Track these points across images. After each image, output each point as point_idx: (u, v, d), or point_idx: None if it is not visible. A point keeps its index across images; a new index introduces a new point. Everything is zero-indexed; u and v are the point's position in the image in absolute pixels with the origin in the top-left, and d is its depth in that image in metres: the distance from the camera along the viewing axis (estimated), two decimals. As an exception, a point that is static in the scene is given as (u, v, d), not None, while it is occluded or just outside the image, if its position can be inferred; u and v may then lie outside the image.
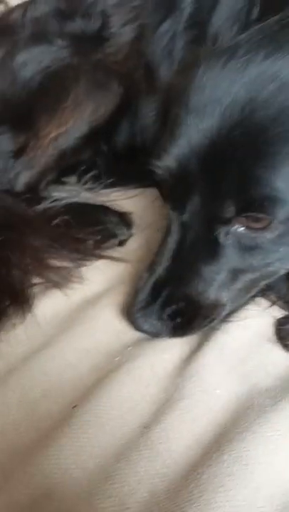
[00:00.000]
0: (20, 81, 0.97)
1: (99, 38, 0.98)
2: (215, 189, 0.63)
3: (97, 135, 0.96)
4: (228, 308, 0.69)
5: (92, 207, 0.95)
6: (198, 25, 0.93)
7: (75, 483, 0.54)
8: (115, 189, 0.99)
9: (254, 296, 0.72)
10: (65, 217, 0.88)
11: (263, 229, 0.63)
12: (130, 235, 0.89)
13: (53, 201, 0.95)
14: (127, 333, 0.71)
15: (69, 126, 0.94)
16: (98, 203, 0.95)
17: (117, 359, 0.67)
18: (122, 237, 0.88)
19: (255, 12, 0.71)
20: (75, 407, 0.61)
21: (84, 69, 0.95)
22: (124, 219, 0.91)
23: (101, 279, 0.81)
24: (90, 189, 0.98)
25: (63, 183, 1.00)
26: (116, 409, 0.60)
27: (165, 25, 0.97)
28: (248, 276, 0.68)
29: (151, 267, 0.70)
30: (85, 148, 0.97)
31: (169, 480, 0.55)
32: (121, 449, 0.57)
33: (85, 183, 1.00)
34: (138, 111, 0.98)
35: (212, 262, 0.66)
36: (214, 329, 0.69)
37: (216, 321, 0.69)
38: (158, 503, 0.53)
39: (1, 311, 0.73)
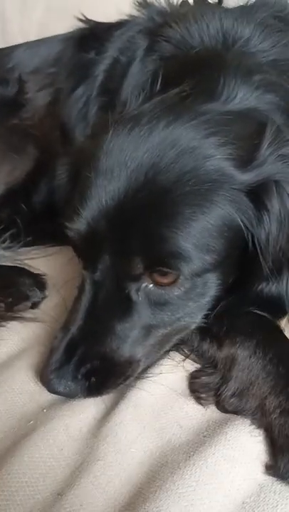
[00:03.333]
0: None
1: (15, 103, 1.00)
2: (123, 248, 0.64)
3: (15, 195, 0.96)
4: (142, 365, 0.69)
5: (6, 268, 0.93)
6: (109, 92, 0.98)
7: None
8: (34, 247, 0.99)
9: (168, 351, 0.72)
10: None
11: (171, 284, 0.65)
12: (44, 297, 0.88)
13: None
14: (42, 394, 0.68)
15: (-15, 188, 0.94)
16: (15, 262, 0.94)
17: (31, 423, 0.65)
18: (35, 299, 0.86)
19: (158, 84, 0.76)
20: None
21: (0, 133, 0.96)
22: (38, 281, 0.90)
23: (16, 339, 0.79)
24: (7, 248, 0.97)
25: (-20, 242, 0.98)
26: (28, 477, 0.57)
27: (79, 91, 1.01)
28: (160, 332, 0.68)
29: (65, 326, 0.69)
30: (2, 208, 0.97)
31: None
32: (33, 519, 0.54)
33: (4, 241, 0.98)
34: (55, 171, 0.99)
35: (125, 319, 0.67)
36: (129, 386, 0.68)
37: (131, 378, 0.68)
38: None
39: None
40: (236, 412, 0.64)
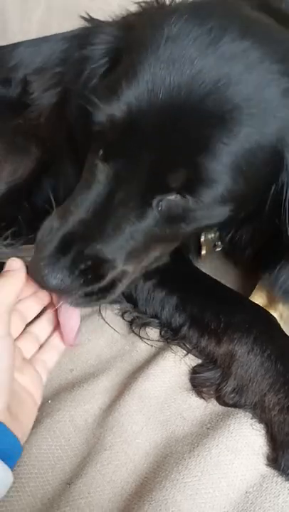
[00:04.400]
0: None
1: (19, 103, 1.00)
2: (168, 153, 0.56)
3: (17, 194, 0.96)
4: (128, 279, 0.65)
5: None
6: None
7: None
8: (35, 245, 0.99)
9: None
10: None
11: (198, 201, 0.58)
12: None
13: None
14: (46, 386, 0.69)
15: (-13, 186, 0.94)
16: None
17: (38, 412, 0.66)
18: None
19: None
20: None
21: (3, 132, 0.96)
22: None
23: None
24: (9, 245, 0.97)
25: (-19, 239, 0.98)
26: (37, 468, 0.58)
27: None
28: (158, 247, 0.65)
29: (63, 216, 0.61)
30: (4, 206, 0.97)
31: (91, 536, 0.53)
32: (42, 510, 0.55)
33: (5, 238, 0.98)
34: (60, 171, 1.00)
35: (136, 224, 0.60)
36: (134, 378, 0.69)
37: (116, 292, 0.64)
38: None
39: None
40: (237, 406, 0.65)
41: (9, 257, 0.95)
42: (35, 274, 0.60)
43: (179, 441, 0.62)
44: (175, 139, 0.56)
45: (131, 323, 0.79)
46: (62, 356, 0.72)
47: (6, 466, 0.52)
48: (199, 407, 0.66)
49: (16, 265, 0.61)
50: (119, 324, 0.80)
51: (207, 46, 0.56)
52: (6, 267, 0.62)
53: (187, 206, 0.59)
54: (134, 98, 0.56)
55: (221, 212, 0.62)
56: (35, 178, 0.98)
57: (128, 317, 0.80)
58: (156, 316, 0.79)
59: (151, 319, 0.79)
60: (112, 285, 0.63)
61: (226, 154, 0.56)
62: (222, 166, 0.57)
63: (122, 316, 0.81)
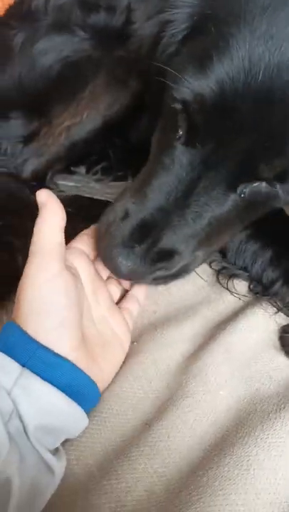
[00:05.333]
0: (38, 68, 0.94)
1: (122, 34, 0.95)
2: (263, 141, 0.49)
3: (111, 128, 0.93)
4: (201, 261, 0.62)
5: (97, 202, 0.92)
6: None
7: (74, 478, 0.52)
8: (124, 183, 0.96)
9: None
10: (69, 209, 0.84)
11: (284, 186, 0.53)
12: None
13: (59, 191, 0.93)
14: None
15: (83, 118, 0.91)
16: (105, 195, 0.92)
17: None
18: None
19: None
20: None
21: (104, 63, 0.92)
22: None
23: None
24: (98, 180, 0.95)
25: (72, 172, 0.96)
26: (118, 405, 0.57)
27: None
28: (235, 228, 0.62)
29: (139, 201, 0.56)
30: (97, 141, 0.94)
31: (167, 480, 0.52)
32: (121, 446, 0.54)
33: (95, 173, 0.96)
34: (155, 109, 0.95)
35: (216, 212, 0.56)
36: (221, 329, 0.66)
37: (188, 274, 0.61)
38: (156, 503, 0.51)
39: (5, 296, 0.70)
40: None
41: (98, 193, 0.94)
42: (107, 260, 0.57)
43: (264, 400, 0.59)
44: (273, 125, 0.48)
45: (218, 272, 0.76)
46: (146, 298, 0.70)
47: (73, 403, 0.51)
48: (287, 368, 0.63)
49: (43, 197, 0.57)
50: (206, 272, 0.76)
51: None
52: (38, 201, 0.58)
53: (273, 193, 0.54)
54: (227, 76, 0.48)
55: None
56: (132, 113, 0.94)
57: (216, 266, 0.77)
58: (245, 269, 0.75)
59: (240, 271, 0.75)
60: (183, 270, 0.60)
61: None
62: None
63: (210, 264, 0.77)
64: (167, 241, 0.55)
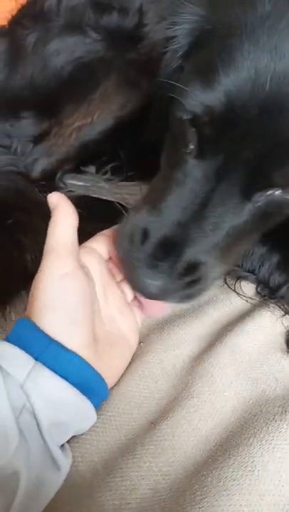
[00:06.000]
0: (50, 68, 0.94)
1: (134, 36, 0.95)
2: (275, 148, 0.49)
3: (123, 129, 0.93)
4: (220, 271, 0.61)
5: (106, 203, 0.92)
6: None
7: (79, 475, 0.52)
8: (134, 183, 0.96)
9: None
10: (77, 209, 0.84)
11: None
12: None
13: (68, 191, 0.93)
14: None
15: (94, 118, 0.92)
16: (115, 196, 0.93)
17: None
18: None
19: None
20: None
21: (116, 64, 0.92)
22: None
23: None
24: (108, 180, 0.96)
25: (82, 172, 0.97)
26: (124, 404, 0.58)
27: None
28: (252, 237, 0.62)
29: (159, 215, 0.56)
30: (108, 142, 0.95)
31: (172, 479, 0.52)
32: (126, 444, 0.55)
33: (105, 173, 0.97)
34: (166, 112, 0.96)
35: (234, 222, 0.56)
36: (227, 330, 0.66)
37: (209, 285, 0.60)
38: (159, 501, 0.51)
39: (13, 293, 0.70)
40: None
41: (108, 193, 0.94)
42: (132, 281, 0.57)
43: (269, 401, 0.59)
44: (282, 132, 0.49)
45: (227, 273, 0.76)
46: None
47: (84, 398, 0.52)
48: (293, 371, 0.63)
49: (54, 199, 0.58)
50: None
51: None
52: (50, 203, 0.58)
53: (288, 200, 0.53)
54: (234, 88, 0.49)
55: None
56: (143, 115, 0.94)
57: (224, 268, 0.77)
58: (252, 272, 0.75)
59: (248, 274, 0.75)
60: (204, 281, 0.58)
61: None
62: None
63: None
64: (189, 254, 0.55)
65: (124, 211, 0.89)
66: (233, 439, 0.55)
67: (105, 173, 0.98)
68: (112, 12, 0.94)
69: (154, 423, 0.56)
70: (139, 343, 0.65)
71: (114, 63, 0.92)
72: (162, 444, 0.54)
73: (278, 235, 0.75)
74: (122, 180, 0.96)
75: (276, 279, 0.72)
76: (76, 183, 0.96)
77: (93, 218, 0.83)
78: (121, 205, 0.90)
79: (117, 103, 0.91)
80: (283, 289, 0.71)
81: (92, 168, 0.99)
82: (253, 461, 0.52)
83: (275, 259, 0.73)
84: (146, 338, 0.66)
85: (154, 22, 0.95)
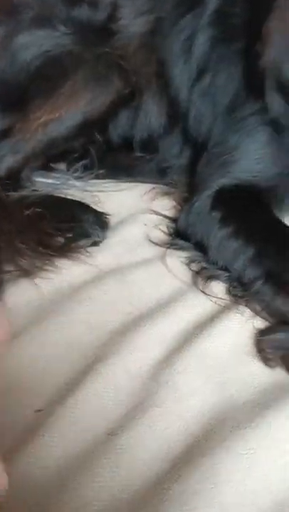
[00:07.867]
0: (18, 63, 0.90)
1: (106, 29, 0.91)
2: None
3: (92, 125, 0.90)
4: None
5: (70, 202, 0.87)
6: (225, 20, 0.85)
7: (34, 482, 0.48)
8: (105, 181, 0.93)
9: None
10: (38, 209, 0.80)
11: None
12: (104, 238, 0.80)
13: (33, 190, 0.88)
14: (101, 329, 0.64)
15: (62, 113, 0.88)
16: (85, 194, 0.89)
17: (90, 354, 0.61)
18: (96, 239, 0.79)
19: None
20: (38, 411, 0.54)
21: (85, 58, 0.89)
22: (101, 220, 0.82)
23: (79, 271, 0.74)
24: (78, 178, 0.92)
25: (51, 169, 0.93)
26: (82, 410, 0.54)
27: (185, 21, 0.89)
28: None
29: None
30: (77, 137, 0.91)
31: (132, 491, 0.48)
32: (82, 453, 0.50)
33: (75, 171, 0.93)
34: (141, 107, 0.92)
35: None
36: (194, 334, 0.63)
37: None
38: (118, 516, 0.47)
39: None
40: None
41: (78, 191, 0.90)
42: None
43: (236, 407, 0.55)
44: None
45: (197, 273, 0.73)
46: (120, 298, 0.68)
47: None
48: (263, 375, 0.59)
49: None
50: (183, 274, 0.73)
51: None
52: None
53: None
54: None
55: None
56: (112, 111, 0.90)
57: (195, 267, 0.74)
58: (226, 269, 0.72)
59: (221, 272, 0.72)
60: None
61: None
62: None
63: (189, 265, 0.74)
64: None
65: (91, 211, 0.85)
66: (198, 448, 0.51)
67: (76, 170, 0.94)
68: (82, 5, 0.91)
69: (114, 432, 0.52)
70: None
71: (83, 57, 0.88)
72: (122, 456, 0.50)
73: (253, 229, 0.73)
74: (93, 178, 0.93)
75: (250, 273, 0.69)
76: (45, 180, 0.92)
77: (55, 219, 0.79)
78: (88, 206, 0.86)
79: (85, 98, 0.88)
80: (257, 284, 0.67)
81: (62, 165, 0.95)
82: (217, 472, 0.48)
83: (249, 252, 0.70)
84: (109, 340, 0.63)
85: (130, 17, 0.92)
